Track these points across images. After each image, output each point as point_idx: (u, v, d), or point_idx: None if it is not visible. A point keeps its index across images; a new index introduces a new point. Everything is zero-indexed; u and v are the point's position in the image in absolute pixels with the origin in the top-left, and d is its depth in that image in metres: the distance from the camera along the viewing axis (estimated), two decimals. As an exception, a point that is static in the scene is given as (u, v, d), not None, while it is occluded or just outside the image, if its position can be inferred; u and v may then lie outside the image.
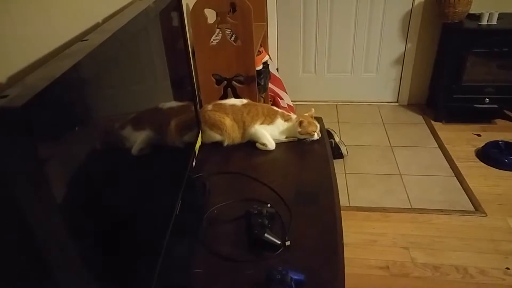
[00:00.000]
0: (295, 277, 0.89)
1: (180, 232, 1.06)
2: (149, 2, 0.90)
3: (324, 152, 1.43)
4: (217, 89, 1.86)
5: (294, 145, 1.47)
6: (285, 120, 1.48)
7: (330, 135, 2.44)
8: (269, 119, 1.47)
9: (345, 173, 2.28)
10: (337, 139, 2.40)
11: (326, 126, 2.75)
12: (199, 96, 1.91)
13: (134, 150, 0.81)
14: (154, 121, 0.96)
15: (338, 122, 2.84)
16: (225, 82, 1.85)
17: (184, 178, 1.11)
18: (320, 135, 1.48)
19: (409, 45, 2.86)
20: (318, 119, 1.63)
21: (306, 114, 1.51)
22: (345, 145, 2.41)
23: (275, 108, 1.53)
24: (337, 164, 2.35)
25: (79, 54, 0.54)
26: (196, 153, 1.28)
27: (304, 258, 0.98)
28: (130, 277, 0.72)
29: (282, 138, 1.48)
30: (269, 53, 2.89)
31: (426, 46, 2.84)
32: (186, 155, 1.19)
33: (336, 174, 2.26)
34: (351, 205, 2.01)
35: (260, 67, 2.14)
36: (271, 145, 1.43)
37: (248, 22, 1.69)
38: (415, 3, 2.71)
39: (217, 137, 1.46)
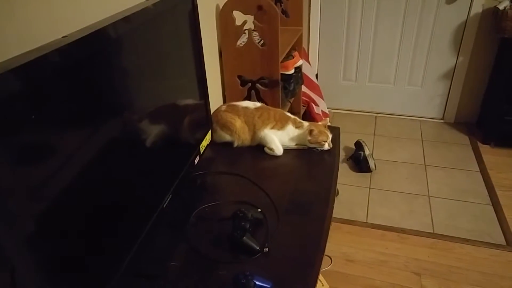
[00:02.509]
0: (260, 283, 0.90)
1: (167, 225, 1.12)
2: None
3: (332, 163, 1.41)
4: (241, 90, 1.91)
5: (303, 153, 1.47)
6: (296, 127, 1.49)
7: (360, 147, 2.39)
8: (280, 124, 1.48)
9: (370, 188, 2.22)
10: (367, 152, 2.34)
11: (361, 137, 2.71)
12: (224, 96, 1.97)
13: (133, 137, 0.88)
14: (160, 114, 1.02)
15: (374, 135, 2.76)
16: (250, 84, 1.88)
17: (181, 174, 1.16)
18: (331, 146, 1.46)
19: (461, 58, 2.70)
20: (335, 129, 1.62)
21: (320, 123, 1.51)
22: (374, 159, 2.34)
23: (288, 114, 1.54)
24: (363, 178, 2.30)
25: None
26: (202, 151, 1.33)
27: (279, 267, 0.99)
28: (99, 255, 0.78)
29: (292, 145, 1.49)
30: (310, 58, 2.89)
31: (480, 61, 2.67)
32: (189, 152, 1.24)
33: (360, 188, 2.23)
34: (368, 221, 1.96)
35: (291, 71, 2.16)
36: (279, 151, 1.45)
37: (274, 26, 1.71)
38: (471, 14, 2.56)
39: (227, 137, 1.50)
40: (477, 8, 2.53)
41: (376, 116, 3.00)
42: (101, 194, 0.79)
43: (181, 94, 1.19)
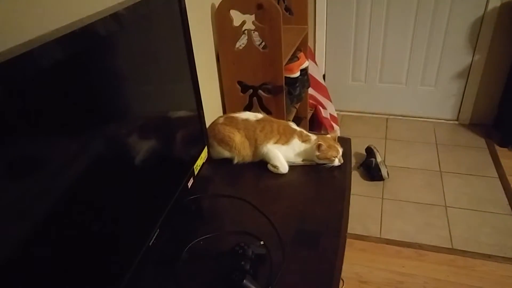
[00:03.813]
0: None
1: (154, 263, 0.97)
2: None
3: (343, 182, 1.25)
4: (242, 97, 1.74)
5: (311, 170, 1.31)
6: (303, 141, 1.32)
7: (371, 153, 2.22)
8: (285, 138, 1.32)
9: (382, 198, 2.04)
10: (378, 159, 2.17)
11: (372, 141, 2.53)
12: (223, 104, 1.81)
13: (110, 159, 0.72)
14: (143, 130, 0.87)
15: (386, 139, 2.58)
16: (251, 90, 1.72)
17: (170, 204, 1.00)
18: (342, 161, 1.30)
19: (477, 56, 2.50)
20: (345, 141, 1.45)
21: (329, 136, 1.34)
22: (387, 167, 2.16)
23: (294, 126, 1.37)
24: (375, 186, 2.13)
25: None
26: (196, 172, 1.17)
27: (284, 317, 0.84)
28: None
29: (298, 160, 1.33)
30: (316, 58, 2.71)
31: (498, 59, 2.47)
32: (180, 175, 1.09)
33: (372, 198, 2.06)
34: (382, 236, 1.79)
35: (296, 74, 1.98)
36: (283, 169, 1.28)
37: (276, 27, 1.54)
38: (488, 8, 2.36)
39: (225, 153, 1.34)
40: (494, 2, 2.34)
41: (387, 118, 2.82)
42: (68, 234, 0.64)
43: (170, 105, 1.02)
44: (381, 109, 2.85)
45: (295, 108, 2.03)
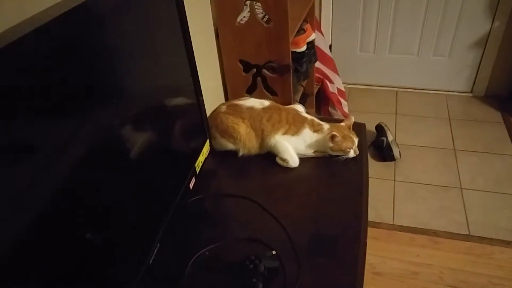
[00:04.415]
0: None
1: (156, 280, 0.88)
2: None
3: (359, 176, 1.15)
4: (245, 77, 1.61)
5: (323, 163, 1.21)
6: (315, 131, 1.21)
7: (382, 132, 2.11)
8: (294, 128, 1.20)
9: (394, 180, 1.96)
10: (390, 138, 2.06)
11: (381, 117, 2.41)
12: (224, 85, 1.67)
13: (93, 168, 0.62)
14: (132, 124, 0.75)
15: (396, 114, 2.46)
16: (255, 69, 1.58)
17: (170, 212, 0.90)
18: (357, 152, 1.19)
19: (496, 23, 2.34)
20: (359, 127, 1.33)
21: (343, 124, 1.23)
22: (399, 147, 2.06)
23: (304, 114, 1.25)
24: (387, 168, 2.03)
25: None
26: (198, 170, 1.06)
27: None
28: None
29: (309, 152, 1.22)
30: (322, 27, 2.53)
31: (518, 26, 2.31)
32: (180, 176, 0.98)
33: (383, 181, 1.97)
34: (395, 223, 1.72)
35: (302, 48, 1.83)
36: (294, 162, 1.18)
37: (282, -2, 1.38)
38: (511, -29, 2.17)
39: (229, 146, 1.23)
40: (519, -37, 2.14)
41: (397, 91, 2.68)
42: (49, 258, 0.55)
43: (163, 91, 0.90)
44: (391, 81, 2.71)
45: (302, 86, 1.89)
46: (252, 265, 0.85)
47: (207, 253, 0.95)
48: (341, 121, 1.27)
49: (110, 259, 0.70)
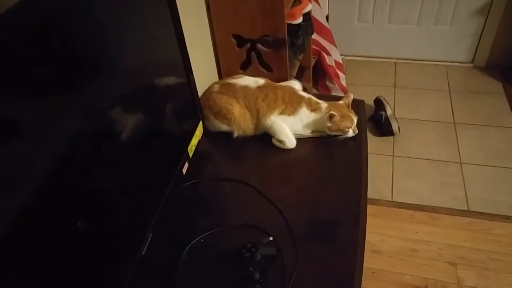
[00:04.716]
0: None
1: (150, 269, 0.86)
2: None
3: (359, 157, 1.12)
4: (239, 53, 1.54)
5: (321, 144, 1.17)
6: (312, 110, 1.17)
7: (381, 106, 2.07)
8: (291, 108, 1.16)
9: (393, 155, 1.93)
10: (389, 112, 2.02)
11: (380, 90, 2.36)
12: (217, 61, 1.61)
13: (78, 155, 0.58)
14: (119, 104, 0.71)
15: (395, 86, 2.41)
16: (249, 44, 1.51)
17: (162, 200, 0.87)
18: (356, 132, 1.15)
19: (500, -11, 2.25)
20: (359, 104, 1.29)
21: (341, 102, 1.19)
22: (398, 121, 2.02)
23: (301, 92, 1.21)
24: (385, 143, 2.00)
25: None
26: (191, 154, 1.02)
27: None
28: None
29: (307, 132, 1.18)
30: (318, -4, 2.43)
31: (523, -8, 2.22)
32: (170, 163, 0.95)
33: (382, 156, 1.95)
34: (394, 199, 1.71)
35: (298, 20, 1.76)
36: (290, 143, 1.15)
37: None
38: None
39: (223, 127, 1.19)
40: None
41: (395, 63, 2.62)
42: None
43: (150, 69, 0.84)
44: (390, 52, 2.63)
45: (299, 60, 1.83)
46: (248, 254, 0.83)
47: (202, 240, 0.93)
48: (340, 98, 1.22)
49: (99, 251, 0.67)
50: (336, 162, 1.11)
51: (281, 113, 1.15)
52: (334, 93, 2.32)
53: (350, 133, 1.15)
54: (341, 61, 2.34)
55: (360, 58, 2.68)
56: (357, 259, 0.85)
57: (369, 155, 1.91)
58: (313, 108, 1.16)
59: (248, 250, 0.84)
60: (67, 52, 0.56)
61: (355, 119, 1.15)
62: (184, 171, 1.00)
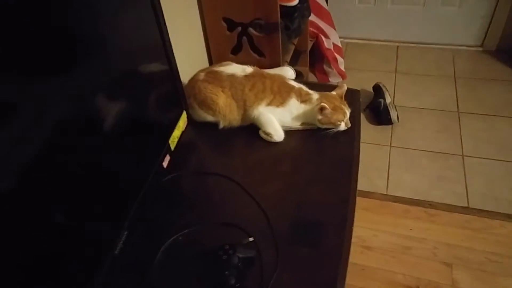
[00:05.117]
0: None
1: (124, 268, 0.84)
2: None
3: (350, 153, 1.09)
4: (229, 36, 1.50)
5: (311, 137, 1.15)
6: (302, 101, 1.14)
7: (380, 93, 2.03)
8: (280, 98, 1.13)
9: (390, 146, 1.91)
10: (388, 100, 1.99)
11: (380, 76, 2.31)
12: (207, 45, 1.56)
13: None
14: (91, 95, 0.69)
15: (396, 72, 2.37)
16: (239, 28, 1.47)
17: (139, 197, 0.85)
18: (349, 125, 1.13)
19: (512, -31, 2.18)
20: (353, 94, 1.26)
21: (334, 93, 1.15)
22: (397, 110, 1.99)
23: (291, 82, 1.18)
24: (383, 132, 1.98)
25: None
26: (172, 147, 1.00)
27: None
28: None
29: (296, 125, 1.16)
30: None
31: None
32: (150, 157, 0.92)
33: (379, 146, 1.92)
34: (388, 193, 1.69)
35: (294, 2, 1.70)
36: (278, 136, 1.12)
37: None
38: None
39: (208, 117, 1.17)
40: None
41: (398, 47, 2.57)
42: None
43: (126, 55, 0.80)
44: (392, 35, 2.58)
45: (293, 44, 1.78)
46: (225, 256, 0.82)
47: (180, 238, 0.91)
48: (334, 87, 1.19)
49: (67, 247, 0.65)
50: (325, 157, 1.09)
51: (269, 104, 1.13)
52: (332, 78, 2.28)
53: (342, 127, 1.12)
54: (340, 45, 2.29)
55: (360, 41, 2.63)
56: (340, 265, 0.84)
57: (365, 145, 1.91)
58: (303, 99, 1.13)
59: (225, 252, 0.82)
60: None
61: (347, 111, 1.13)
62: (165, 164, 0.98)
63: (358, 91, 1.31)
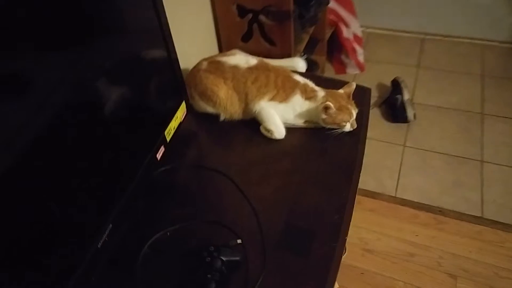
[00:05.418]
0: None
1: (108, 261, 0.84)
2: None
3: (353, 156, 1.06)
4: (240, 23, 1.47)
5: (314, 136, 1.13)
6: (307, 99, 1.11)
7: (398, 88, 1.97)
8: (283, 94, 1.10)
9: (404, 145, 1.86)
10: (405, 97, 1.93)
11: (401, 70, 2.24)
12: (217, 32, 1.54)
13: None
14: (84, 80, 0.68)
15: (418, 67, 2.29)
16: (250, 15, 1.43)
17: (128, 190, 0.85)
18: (354, 127, 1.09)
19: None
20: (364, 93, 1.22)
21: (342, 91, 1.12)
22: (414, 108, 1.92)
23: (296, 77, 1.14)
24: (398, 130, 1.92)
25: None
26: (168, 139, 0.99)
27: None
28: None
29: (299, 123, 1.13)
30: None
31: None
32: (143, 147, 0.91)
33: (392, 145, 1.87)
34: (397, 195, 1.66)
35: (312, -11, 1.65)
36: (279, 134, 1.10)
37: None
38: None
39: (209, 109, 1.15)
40: None
41: (423, 39, 2.48)
42: None
43: (121, 39, 0.79)
44: (417, 26, 2.48)
45: (308, 33, 1.73)
46: (209, 258, 0.81)
47: (168, 234, 0.91)
48: (344, 84, 1.14)
49: (46, 236, 0.65)
50: (326, 159, 1.06)
51: (271, 99, 1.10)
52: (349, 69, 2.22)
53: (347, 128, 1.09)
54: (360, 34, 2.22)
55: (382, 31, 2.54)
56: (329, 277, 0.82)
57: (377, 142, 1.87)
58: (308, 96, 1.10)
59: (209, 254, 0.82)
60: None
61: (354, 112, 1.09)
62: (158, 156, 0.97)
63: (369, 89, 1.27)
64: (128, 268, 0.85)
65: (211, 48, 1.55)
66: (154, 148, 0.95)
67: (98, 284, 0.79)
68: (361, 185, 1.72)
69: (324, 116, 1.07)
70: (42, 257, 0.65)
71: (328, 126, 1.09)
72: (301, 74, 1.19)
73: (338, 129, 1.09)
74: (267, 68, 1.12)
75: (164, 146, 0.99)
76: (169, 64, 0.99)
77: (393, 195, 1.67)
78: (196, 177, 1.06)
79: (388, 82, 2.07)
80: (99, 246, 0.78)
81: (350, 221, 0.92)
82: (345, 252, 1.51)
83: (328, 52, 2.14)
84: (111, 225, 0.80)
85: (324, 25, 1.97)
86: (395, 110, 1.94)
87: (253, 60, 1.14)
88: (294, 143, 1.11)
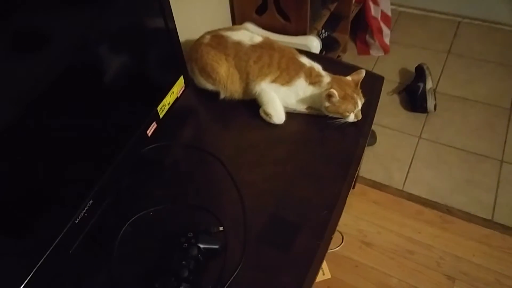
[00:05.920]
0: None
1: (87, 236, 0.85)
2: None
3: (353, 149, 1.03)
4: (254, -7, 1.41)
5: (315, 123, 1.10)
6: (311, 83, 1.07)
7: (422, 76, 1.88)
8: (286, 76, 1.07)
9: (420, 137, 1.79)
10: (428, 86, 1.84)
11: (428, 55, 2.14)
12: (231, 5, 1.48)
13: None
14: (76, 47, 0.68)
15: (449, 52, 2.17)
16: (266, -15, 1.38)
17: (113, 163, 0.84)
18: (359, 117, 1.05)
19: None
20: (375, 82, 1.17)
21: (349, 78, 1.07)
22: (436, 98, 1.84)
23: (302, 58, 1.09)
24: (415, 120, 1.86)
25: None
26: (162, 114, 0.97)
27: None
28: None
29: (301, 108, 1.10)
30: None
31: None
32: (133, 122, 0.90)
33: (406, 136, 1.82)
34: (404, 189, 1.61)
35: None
36: (278, 119, 1.07)
37: None
38: None
39: (208, 86, 1.12)
40: None
41: (459, 22, 2.34)
42: None
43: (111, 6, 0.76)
44: (454, 8, 2.34)
45: (329, 10, 1.65)
46: (186, 244, 0.81)
47: (151, 214, 0.92)
48: (357, 69, 1.09)
49: (21, 206, 0.66)
50: (324, 151, 1.03)
51: (273, 81, 1.06)
52: (373, 51, 2.13)
53: (351, 118, 1.05)
54: (389, 13, 2.11)
55: (415, 11, 2.41)
56: (308, 275, 0.81)
57: (390, 131, 1.81)
58: (313, 80, 1.06)
59: (187, 239, 0.82)
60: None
61: (360, 102, 1.05)
62: (149, 132, 0.96)
63: (381, 77, 1.21)
64: (106, 244, 0.86)
65: (223, 19, 1.50)
66: (144, 123, 0.93)
67: (75, 257, 0.80)
68: (368, 174, 1.70)
69: (327, 104, 1.03)
70: (19, 222, 0.66)
71: (331, 115, 1.05)
72: (311, 55, 1.14)
73: (341, 118, 1.05)
74: (272, 48, 1.08)
75: (157, 122, 0.98)
76: (166, 35, 0.96)
77: (400, 188, 1.62)
78: (186, 158, 1.05)
79: (412, 67, 1.98)
80: (76, 221, 0.78)
81: (339, 218, 0.90)
82: (342, 242, 1.50)
83: (352, 31, 2.05)
84: (91, 201, 0.80)
85: (350, 1, 1.87)
86: (415, 99, 1.86)
87: (257, 38, 1.09)
88: (293, 130, 1.08)
